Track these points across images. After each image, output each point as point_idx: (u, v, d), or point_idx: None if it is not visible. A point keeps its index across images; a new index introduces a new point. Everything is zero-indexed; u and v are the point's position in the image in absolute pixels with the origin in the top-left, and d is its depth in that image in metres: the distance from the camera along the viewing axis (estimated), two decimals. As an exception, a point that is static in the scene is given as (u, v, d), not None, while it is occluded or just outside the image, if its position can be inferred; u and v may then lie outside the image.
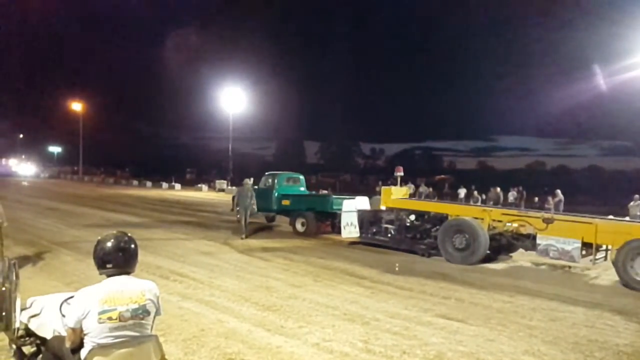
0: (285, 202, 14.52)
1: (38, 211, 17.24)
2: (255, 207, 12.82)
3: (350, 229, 11.87)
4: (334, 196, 14.28)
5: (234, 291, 7.07)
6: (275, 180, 15.01)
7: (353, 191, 23.43)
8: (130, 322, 2.54)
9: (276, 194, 14.69)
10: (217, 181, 41.19)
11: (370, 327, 5.61)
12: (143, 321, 2.59)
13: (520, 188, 26.19)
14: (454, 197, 28.47)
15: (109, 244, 2.61)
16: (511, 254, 11.03)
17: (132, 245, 2.68)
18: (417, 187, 30.13)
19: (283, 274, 8.43)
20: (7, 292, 3.17)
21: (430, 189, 30.53)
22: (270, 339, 5.15)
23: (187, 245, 11.28)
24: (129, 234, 2.74)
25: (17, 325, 3.17)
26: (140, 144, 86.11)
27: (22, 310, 3.24)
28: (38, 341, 3.13)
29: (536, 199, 24.64)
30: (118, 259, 2.60)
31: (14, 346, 3.26)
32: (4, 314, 3.22)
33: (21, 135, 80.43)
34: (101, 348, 2.48)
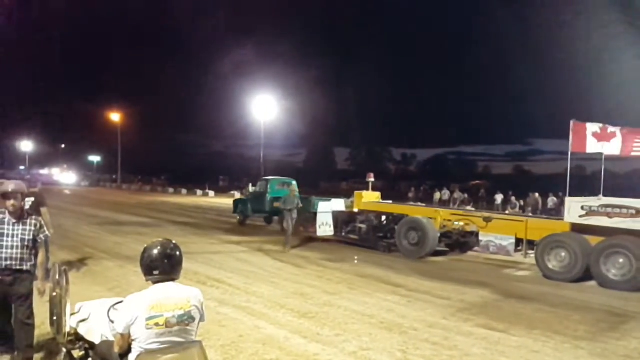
0: (277, 204, 15.74)
1: (80, 218, 17.80)
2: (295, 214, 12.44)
3: (325, 228, 12.94)
4: (316, 198, 15.35)
5: (270, 297, 7.11)
6: (268, 185, 16.89)
7: (385, 197, 23.19)
8: (176, 328, 2.58)
9: (269, 197, 16.47)
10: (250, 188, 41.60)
11: (408, 337, 5.52)
12: (188, 327, 2.64)
13: (561, 194, 25.38)
14: (490, 203, 27.83)
15: (156, 252, 2.66)
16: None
17: (178, 253, 2.73)
18: (451, 192, 29.67)
19: (317, 281, 8.42)
20: (58, 298, 3.28)
21: (466, 195, 29.99)
22: (307, 346, 5.14)
23: (221, 251, 11.44)
24: (174, 242, 2.79)
25: (67, 329, 3.27)
26: (175, 153, 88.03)
27: (71, 315, 3.34)
28: (87, 345, 3.23)
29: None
30: (164, 266, 2.64)
31: (64, 350, 3.37)
32: (55, 318, 3.34)
33: (63, 145, 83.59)
34: (148, 353, 2.53)
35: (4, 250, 3.98)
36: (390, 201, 14.89)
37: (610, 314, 6.91)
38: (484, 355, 5.02)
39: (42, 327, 4.41)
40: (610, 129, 9.88)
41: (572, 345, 5.44)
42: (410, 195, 33.41)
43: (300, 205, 12.64)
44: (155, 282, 2.66)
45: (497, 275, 9.73)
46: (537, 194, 24.21)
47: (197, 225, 17.01)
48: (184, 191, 44.32)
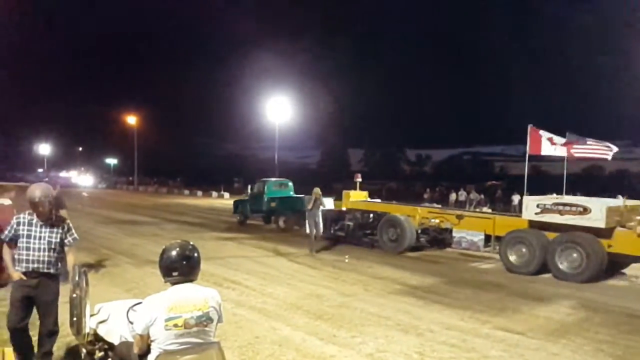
0: (273, 204, 17.09)
1: (97, 220, 18.04)
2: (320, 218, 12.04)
3: None
4: (308, 197, 15.65)
5: (285, 299, 7.12)
6: (265, 186, 17.55)
7: (399, 198, 23.13)
8: (195, 329, 2.59)
9: (266, 198, 17.17)
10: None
11: (425, 339, 5.48)
12: (206, 328, 2.65)
13: (578, 194, 24.94)
14: (506, 204, 27.50)
15: (174, 253, 2.67)
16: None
17: (196, 254, 2.74)
18: (467, 193, 29.38)
19: (333, 283, 8.41)
20: (78, 299, 3.32)
21: (482, 196, 29.65)
22: (323, 347, 5.14)
23: (237, 252, 11.48)
24: (192, 243, 2.80)
25: (86, 330, 3.31)
26: (191, 155, 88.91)
27: (90, 316, 3.38)
28: (106, 346, 3.26)
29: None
30: (183, 267, 2.66)
31: (84, 350, 3.41)
32: (74, 319, 3.38)
33: (80, 148, 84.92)
34: (167, 354, 2.54)
35: (31, 253, 3.90)
36: (379, 200, 15.46)
37: (631, 316, 6.77)
38: (502, 358, 4.97)
39: (61, 327, 4.44)
40: (555, 138, 10.90)
41: (592, 347, 5.34)
42: (426, 196, 33.15)
43: (324, 207, 12.55)
44: (173, 284, 2.67)
45: (508, 276, 9.57)
46: (554, 194, 23.80)
47: (211, 227, 17.12)
48: (199, 193, 44.57)
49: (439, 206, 15.57)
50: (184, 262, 2.66)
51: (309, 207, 11.91)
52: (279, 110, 35.58)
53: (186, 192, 46.63)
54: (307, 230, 12.65)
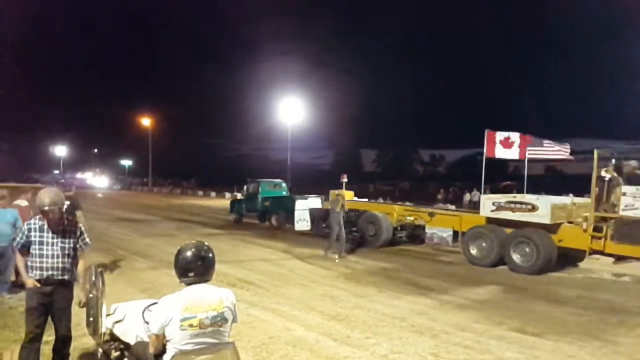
0: (267, 204, 18.04)
1: (112, 221, 18.26)
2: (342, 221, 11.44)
3: (302, 223, 14.39)
4: (298, 197, 16.43)
5: (299, 299, 7.13)
6: (259, 186, 18.51)
7: (412, 199, 23.05)
8: (210, 329, 2.61)
9: (260, 198, 18.15)
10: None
11: (440, 340, 5.45)
12: (221, 328, 2.66)
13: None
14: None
15: (190, 253, 2.69)
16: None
17: (211, 255, 2.75)
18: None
19: (346, 284, 8.40)
20: (95, 299, 3.37)
21: (496, 196, 29.28)
22: (337, 348, 5.13)
23: (250, 253, 11.52)
24: (207, 244, 2.82)
25: (103, 330, 3.35)
26: (205, 156, 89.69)
27: (107, 316, 3.42)
28: (122, 346, 3.30)
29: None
30: (199, 268, 2.67)
31: (100, 350, 3.45)
32: (91, 319, 3.42)
33: (95, 150, 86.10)
34: (183, 354, 2.56)
35: (45, 260, 3.78)
36: (366, 199, 16.28)
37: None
38: (517, 359, 4.91)
39: (77, 327, 4.49)
40: (512, 137, 11.53)
41: (610, 350, 5.26)
42: (439, 197, 32.88)
43: (346, 209, 12.30)
44: (189, 284, 2.69)
45: (520, 276, 9.47)
46: (571, 195, 23.46)
47: (225, 227, 17.22)
48: (213, 194, 44.83)
49: (452, 206, 15.66)
50: (199, 263, 2.68)
51: (337, 209, 11.32)
52: (291, 111, 35.65)
53: (200, 193, 46.91)
54: (304, 228, 13.65)
